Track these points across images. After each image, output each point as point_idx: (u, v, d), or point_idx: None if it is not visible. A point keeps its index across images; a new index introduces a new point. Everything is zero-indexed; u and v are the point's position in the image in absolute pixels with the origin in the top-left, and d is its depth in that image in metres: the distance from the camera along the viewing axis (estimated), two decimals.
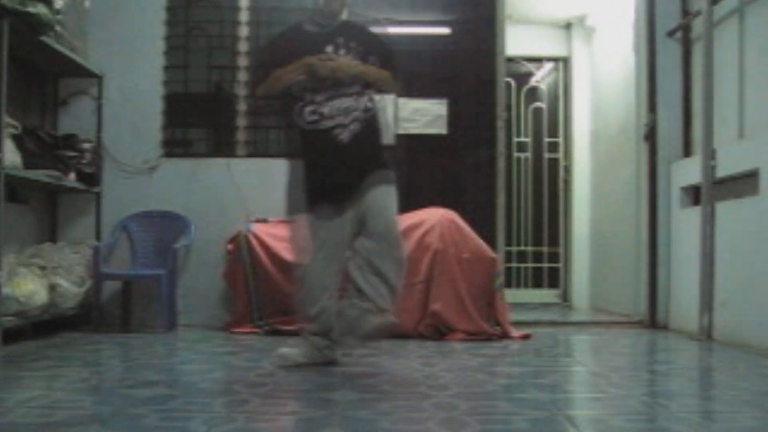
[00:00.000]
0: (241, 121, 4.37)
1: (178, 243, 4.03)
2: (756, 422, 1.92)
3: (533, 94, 6.03)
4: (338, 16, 2.85)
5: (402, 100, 4.67)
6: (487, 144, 4.41)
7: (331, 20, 2.81)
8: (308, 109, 2.73)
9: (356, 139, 2.72)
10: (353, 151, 2.72)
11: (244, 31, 4.37)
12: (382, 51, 2.84)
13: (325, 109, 2.72)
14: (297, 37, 2.82)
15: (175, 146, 4.34)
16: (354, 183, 2.73)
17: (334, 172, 2.74)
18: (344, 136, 2.71)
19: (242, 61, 4.36)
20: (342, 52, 2.74)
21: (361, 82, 2.76)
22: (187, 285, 4.17)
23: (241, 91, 4.37)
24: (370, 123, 2.80)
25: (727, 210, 3.59)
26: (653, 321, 4.22)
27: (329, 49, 2.73)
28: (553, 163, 5.97)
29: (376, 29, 2.94)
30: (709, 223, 3.67)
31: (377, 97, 2.90)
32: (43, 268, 3.57)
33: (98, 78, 4.20)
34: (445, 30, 4.51)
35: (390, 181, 2.79)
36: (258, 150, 4.35)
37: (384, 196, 2.73)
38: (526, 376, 2.64)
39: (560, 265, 5.96)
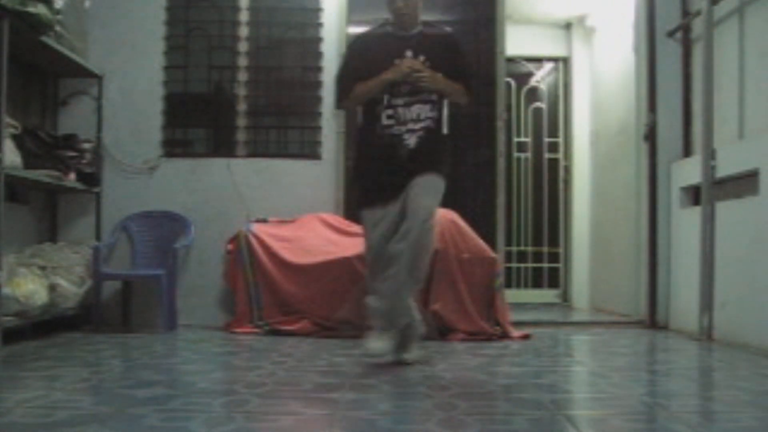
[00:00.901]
0: (241, 121, 4.37)
1: (178, 243, 4.03)
2: (756, 422, 1.92)
3: (533, 94, 6.03)
4: (416, 22, 2.92)
5: None
6: (487, 144, 4.41)
7: (410, 26, 2.90)
8: (387, 112, 2.85)
9: (420, 145, 2.83)
10: (415, 156, 2.82)
11: (244, 31, 4.37)
12: (457, 63, 2.92)
13: (401, 114, 2.83)
14: (379, 41, 2.92)
15: (175, 146, 4.35)
16: (404, 183, 2.80)
17: (392, 174, 2.83)
18: (411, 141, 2.83)
19: (242, 61, 4.36)
20: (421, 58, 2.83)
21: (439, 93, 2.87)
22: (187, 285, 4.17)
23: (241, 91, 4.37)
24: (437, 131, 2.91)
25: (727, 210, 3.59)
26: (653, 321, 4.22)
27: (408, 54, 2.83)
28: (553, 163, 5.97)
29: (453, 37, 3.00)
30: (709, 223, 3.67)
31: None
32: (43, 268, 3.57)
33: (98, 78, 4.20)
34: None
35: (434, 186, 2.83)
36: (258, 150, 4.35)
37: (420, 198, 2.77)
38: (526, 376, 2.64)
39: (560, 265, 5.96)
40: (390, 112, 2.85)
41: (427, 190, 2.80)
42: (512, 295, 4.72)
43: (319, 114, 4.34)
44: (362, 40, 3.03)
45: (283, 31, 4.39)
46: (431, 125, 2.87)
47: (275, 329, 3.77)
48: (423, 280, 2.93)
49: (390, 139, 2.85)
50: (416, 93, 2.84)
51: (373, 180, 2.92)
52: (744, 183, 3.47)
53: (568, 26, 5.86)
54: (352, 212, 4.28)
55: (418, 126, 2.84)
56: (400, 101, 2.84)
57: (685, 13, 4.21)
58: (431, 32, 2.96)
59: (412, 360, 2.85)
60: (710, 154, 3.70)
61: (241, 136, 4.36)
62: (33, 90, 4.04)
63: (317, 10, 4.37)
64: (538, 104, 6.02)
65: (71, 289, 3.65)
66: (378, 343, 2.78)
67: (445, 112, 3.01)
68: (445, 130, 3.00)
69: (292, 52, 4.39)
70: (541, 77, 6.04)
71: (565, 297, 5.89)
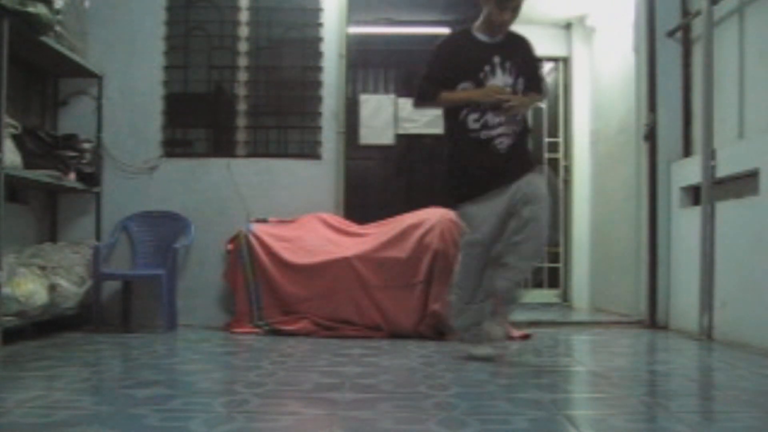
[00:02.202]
0: (241, 121, 4.37)
1: (178, 243, 4.03)
2: (756, 422, 1.92)
3: None
4: (506, 29, 2.98)
5: (402, 100, 4.68)
6: None
7: (495, 35, 2.97)
8: (472, 116, 2.91)
9: (511, 149, 2.93)
10: (507, 159, 2.91)
11: (244, 31, 4.37)
12: (535, 74, 3.06)
13: (489, 120, 2.90)
14: (468, 46, 2.97)
15: (175, 146, 4.35)
16: (504, 181, 2.87)
17: (491, 173, 2.90)
18: (503, 146, 2.92)
19: (242, 61, 4.36)
20: (499, 69, 2.94)
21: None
22: (187, 285, 4.17)
23: (241, 91, 4.37)
24: (523, 134, 3.03)
25: (727, 210, 3.59)
26: (653, 321, 4.22)
27: (497, 60, 2.94)
28: (553, 163, 5.97)
29: (528, 42, 3.11)
30: (709, 223, 3.67)
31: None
32: (43, 268, 3.57)
33: (98, 78, 4.20)
34: (445, 30, 4.51)
35: (540, 179, 2.92)
36: (258, 150, 4.35)
37: (536, 183, 2.86)
38: (526, 376, 2.64)
39: (560, 265, 5.96)
40: (475, 116, 2.92)
41: (536, 181, 2.87)
42: None
43: (319, 114, 4.34)
44: (450, 44, 3.04)
45: (283, 31, 4.39)
46: (518, 129, 2.97)
47: (275, 329, 3.77)
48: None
49: (480, 143, 2.92)
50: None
51: (472, 177, 2.95)
52: (744, 183, 3.46)
53: (568, 26, 5.86)
54: (352, 212, 4.29)
55: (508, 130, 2.92)
56: (487, 106, 2.91)
57: (685, 13, 4.21)
58: (511, 38, 3.04)
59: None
60: (710, 154, 3.70)
61: (241, 136, 4.36)
62: (33, 90, 4.04)
63: (317, 10, 4.37)
64: (537, 104, 6.01)
65: (71, 289, 3.65)
66: (486, 349, 2.93)
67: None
68: (528, 130, 3.14)
69: (292, 52, 4.39)
70: None
71: (565, 297, 5.89)
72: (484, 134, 2.92)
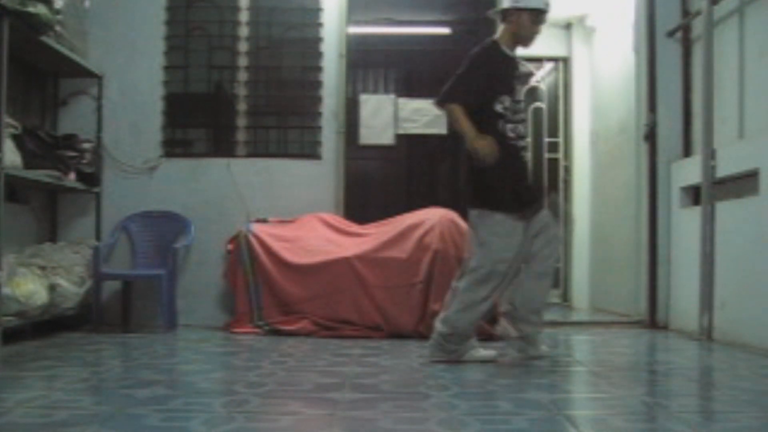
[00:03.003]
0: (241, 121, 4.37)
1: (178, 243, 4.03)
2: (756, 422, 1.92)
3: (533, 94, 6.02)
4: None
5: (402, 100, 4.68)
6: None
7: (526, 45, 3.05)
8: (509, 125, 2.96)
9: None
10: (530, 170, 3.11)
11: (244, 31, 4.37)
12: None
13: (521, 130, 3.00)
14: (499, 59, 3.00)
15: (175, 146, 4.35)
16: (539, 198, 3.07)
17: (529, 188, 3.03)
18: (527, 156, 3.08)
19: (242, 61, 4.36)
20: (518, 82, 3.07)
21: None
22: (187, 285, 4.17)
23: (241, 91, 4.37)
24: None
25: (727, 210, 3.59)
26: (653, 321, 4.22)
27: (518, 73, 3.07)
28: (553, 163, 5.96)
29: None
30: (709, 223, 3.67)
31: None
32: (43, 268, 3.57)
33: (98, 78, 4.20)
34: (445, 30, 4.51)
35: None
36: (258, 150, 4.35)
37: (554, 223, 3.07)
38: (526, 376, 2.64)
39: (560, 265, 5.95)
40: (511, 126, 2.96)
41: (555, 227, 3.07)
42: None
43: (319, 114, 4.34)
44: (487, 56, 3.00)
45: (283, 31, 4.39)
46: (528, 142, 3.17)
47: (275, 329, 3.77)
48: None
49: (518, 150, 2.99)
50: (521, 111, 3.03)
51: (518, 188, 2.94)
52: (744, 183, 3.46)
53: (568, 26, 5.85)
54: (352, 212, 4.28)
55: (526, 142, 3.07)
56: (520, 117, 3.00)
57: (685, 13, 4.21)
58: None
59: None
60: (710, 154, 3.70)
61: (241, 136, 4.36)
62: (33, 90, 4.04)
63: (317, 10, 4.37)
64: (538, 104, 6.01)
65: (71, 289, 3.65)
66: (488, 351, 3.05)
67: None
68: None
69: (292, 52, 4.40)
70: (541, 77, 6.03)
71: (565, 297, 5.88)
72: (521, 143, 3.01)
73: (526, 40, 3.02)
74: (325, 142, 4.33)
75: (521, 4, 2.93)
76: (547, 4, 2.96)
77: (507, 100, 2.94)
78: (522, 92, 3.09)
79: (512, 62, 3.05)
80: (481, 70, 2.94)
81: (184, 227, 4.14)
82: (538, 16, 2.94)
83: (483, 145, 2.84)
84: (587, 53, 5.65)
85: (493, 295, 2.95)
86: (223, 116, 4.40)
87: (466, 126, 2.88)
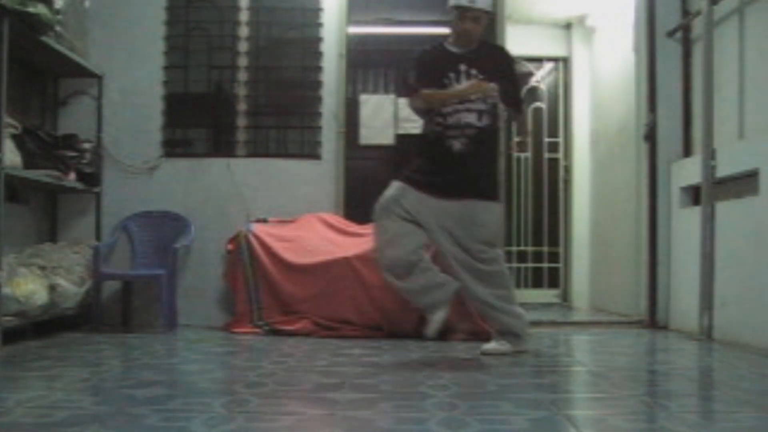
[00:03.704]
0: (241, 121, 4.37)
1: (178, 243, 4.03)
2: (756, 422, 1.92)
3: (533, 94, 6.02)
4: (474, 41, 3.15)
5: (402, 100, 4.66)
6: None
7: (467, 44, 3.14)
8: (437, 118, 3.09)
9: (467, 151, 3.05)
10: (464, 161, 3.05)
11: (244, 31, 4.37)
12: (511, 88, 3.15)
13: (448, 121, 3.06)
14: (437, 56, 3.17)
15: (175, 146, 4.35)
16: (455, 186, 3.05)
17: (444, 173, 3.07)
18: (457, 147, 3.05)
19: (242, 61, 4.36)
20: (464, 77, 3.09)
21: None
22: (187, 285, 4.17)
23: (241, 91, 4.37)
24: (485, 140, 3.11)
25: (727, 210, 3.59)
26: (653, 321, 4.22)
27: (462, 67, 3.10)
28: (553, 163, 5.97)
29: (506, 54, 3.30)
30: (709, 223, 3.67)
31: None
32: (43, 268, 3.57)
33: (98, 78, 4.20)
34: (445, 30, 4.50)
35: (495, 215, 3.15)
36: (258, 150, 4.35)
37: (483, 226, 3.07)
38: (526, 376, 2.64)
39: (560, 265, 5.96)
40: (439, 119, 3.08)
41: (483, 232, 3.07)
42: None
43: (319, 114, 4.34)
44: (424, 54, 3.23)
45: (283, 31, 4.39)
46: (475, 132, 3.06)
47: (275, 329, 3.77)
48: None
49: (438, 142, 3.09)
50: (462, 103, 3.06)
51: (426, 171, 3.09)
52: (744, 183, 3.46)
53: (568, 26, 5.86)
54: (352, 212, 4.28)
55: (462, 133, 3.05)
56: (449, 109, 3.07)
57: (685, 13, 4.21)
58: (485, 49, 3.22)
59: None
60: (710, 154, 3.70)
61: (241, 136, 4.36)
62: (33, 90, 4.04)
63: (317, 10, 4.37)
64: (538, 104, 6.01)
65: (71, 289, 3.65)
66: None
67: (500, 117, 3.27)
68: (494, 136, 3.22)
69: (292, 52, 4.39)
70: (541, 77, 6.03)
71: (565, 297, 5.88)
72: (447, 133, 3.10)
73: (459, 37, 3.14)
74: (325, 142, 4.33)
75: (450, 3, 3.12)
76: (471, 0, 3.05)
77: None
78: (467, 82, 3.09)
79: (450, 57, 3.14)
80: (414, 66, 3.16)
81: (184, 227, 4.14)
82: (462, 12, 3.08)
83: (466, 89, 3.04)
84: (587, 53, 5.66)
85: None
86: (223, 116, 4.40)
87: (440, 95, 3.06)
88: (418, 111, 3.25)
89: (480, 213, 3.06)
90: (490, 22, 4.41)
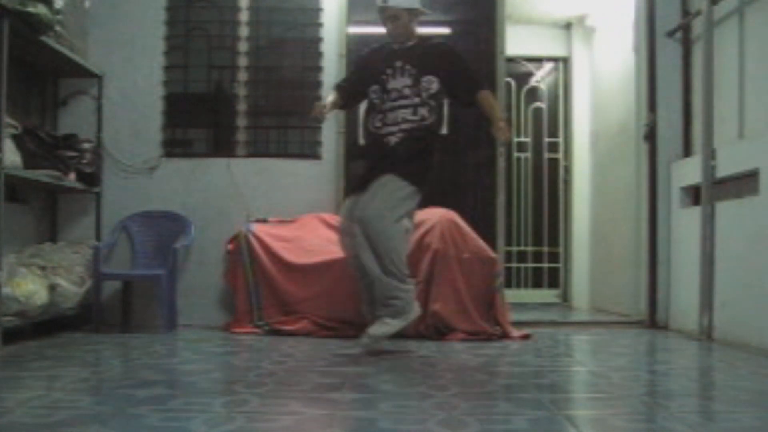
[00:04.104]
0: (241, 121, 4.37)
1: (178, 243, 4.03)
2: (756, 422, 1.92)
3: (533, 94, 6.03)
4: (408, 38, 3.30)
5: None
6: (487, 144, 4.41)
7: (403, 41, 3.29)
8: (378, 116, 3.25)
9: (400, 145, 3.17)
10: (396, 152, 3.17)
11: (244, 31, 4.37)
12: (457, 67, 3.25)
13: (388, 118, 3.22)
14: (378, 53, 3.37)
15: (175, 146, 4.34)
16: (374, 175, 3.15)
17: (367, 169, 3.25)
18: (392, 141, 3.19)
19: (242, 61, 4.36)
20: (398, 72, 3.24)
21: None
22: (187, 285, 4.17)
23: (241, 91, 4.37)
24: (419, 135, 3.20)
25: (727, 210, 3.59)
26: (653, 321, 4.22)
27: (398, 64, 3.24)
28: (553, 163, 5.97)
29: (446, 45, 3.38)
30: (709, 223, 3.67)
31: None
32: (43, 268, 3.57)
33: (98, 78, 4.20)
34: (445, 30, 4.51)
35: (393, 183, 3.10)
36: (258, 150, 4.35)
37: (377, 189, 3.09)
38: (526, 376, 2.64)
39: (560, 265, 5.96)
40: (380, 116, 3.25)
41: (377, 191, 3.09)
42: (512, 295, 4.72)
43: None
44: (368, 52, 3.46)
45: (283, 31, 4.39)
46: (410, 127, 3.19)
47: (275, 329, 3.77)
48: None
49: (377, 138, 3.25)
50: (400, 98, 3.21)
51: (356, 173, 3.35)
52: (744, 183, 3.47)
53: (568, 26, 5.86)
54: None
55: (399, 128, 3.19)
56: (385, 106, 3.24)
57: (685, 13, 4.21)
58: (423, 44, 3.32)
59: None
60: (710, 154, 3.70)
61: (241, 136, 4.36)
62: (33, 90, 4.04)
63: (317, 10, 4.37)
64: (538, 104, 6.02)
65: (71, 289, 3.65)
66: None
67: (442, 112, 3.43)
68: (429, 132, 3.26)
69: (292, 52, 4.39)
70: (541, 77, 6.04)
71: (565, 297, 5.89)
72: (382, 130, 3.26)
73: (388, 35, 3.31)
74: (325, 142, 4.33)
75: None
76: (384, 1, 3.21)
77: (377, 89, 3.26)
78: (402, 78, 3.21)
79: (389, 54, 3.29)
80: (355, 64, 3.43)
81: (184, 227, 4.14)
82: (379, 13, 3.28)
83: (316, 107, 3.25)
84: (587, 53, 5.66)
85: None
86: (223, 116, 4.40)
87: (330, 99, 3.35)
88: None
89: (378, 182, 3.10)
90: (492, 23, 4.46)
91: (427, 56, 3.25)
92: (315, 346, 3.36)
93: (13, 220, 3.65)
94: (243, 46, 4.37)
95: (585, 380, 2.69)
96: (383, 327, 3.09)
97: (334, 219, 4.18)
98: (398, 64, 3.24)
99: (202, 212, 4.22)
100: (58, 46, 3.62)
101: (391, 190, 3.07)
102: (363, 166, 3.34)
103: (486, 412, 1.99)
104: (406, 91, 3.20)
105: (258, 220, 4.12)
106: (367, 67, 3.35)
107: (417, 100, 3.19)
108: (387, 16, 3.24)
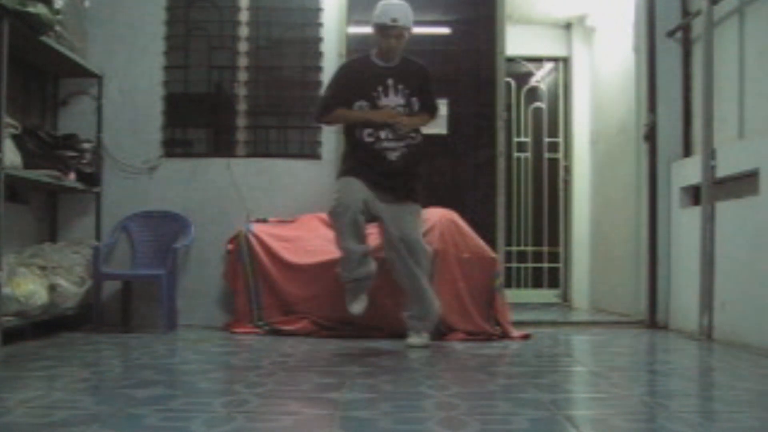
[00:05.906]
0: (241, 121, 4.37)
1: (178, 243, 4.03)
2: (756, 422, 1.92)
3: (533, 94, 6.03)
4: (396, 57, 3.37)
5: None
6: (487, 144, 4.41)
7: (392, 59, 3.36)
8: (367, 131, 3.30)
9: (403, 161, 3.33)
10: (398, 167, 3.32)
11: (244, 31, 4.37)
12: (428, 92, 3.41)
13: (381, 136, 3.29)
14: (365, 69, 3.38)
15: (175, 146, 4.34)
16: (390, 185, 3.31)
17: (380, 175, 3.31)
18: (392, 156, 3.31)
19: (242, 61, 4.36)
20: (392, 91, 3.33)
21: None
22: (187, 285, 4.17)
23: (242, 91, 4.37)
24: (416, 151, 3.38)
25: (727, 210, 3.59)
26: (653, 321, 4.22)
27: (390, 82, 3.32)
28: (553, 163, 5.97)
29: (426, 70, 3.49)
30: (709, 223, 3.67)
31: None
32: (43, 268, 3.56)
33: (98, 78, 4.20)
34: (445, 30, 4.51)
35: (418, 211, 3.43)
36: (258, 150, 4.35)
37: (409, 215, 3.35)
38: (526, 376, 2.64)
39: (560, 265, 5.96)
40: (369, 130, 3.30)
41: (410, 218, 3.33)
42: (512, 294, 4.71)
43: None
44: (350, 67, 3.48)
45: (283, 31, 4.39)
46: (409, 143, 3.33)
47: (275, 329, 3.77)
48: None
49: (373, 152, 3.30)
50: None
51: (360, 164, 3.32)
52: (744, 183, 3.47)
53: (568, 26, 5.86)
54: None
55: (399, 144, 3.31)
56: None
57: (685, 13, 4.21)
58: (409, 64, 3.42)
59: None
60: (710, 154, 3.70)
61: (241, 136, 4.36)
62: (33, 90, 4.04)
63: (317, 10, 4.37)
64: (538, 104, 6.02)
65: (71, 289, 3.65)
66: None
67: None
68: (420, 149, 3.44)
69: (292, 52, 4.39)
70: (541, 77, 6.04)
71: (565, 297, 5.88)
72: (377, 146, 3.30)
73: (383, 52, 3.34)
74: (325, 142, 4.33)
75: (372, 20, 3.32)
76: (393, 20, 3.26)
77: (366, 106, 3.31)
78: (395, 96, 3.32)
79: (378, 71, 3.34)
80: (337, 81, 3.39)
81: (184, 227, 4.14)
82: (383, 30, 3.28)
83: (380, 115, 3.27)
84: (587, 53, 5.66)
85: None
86: (223, 116, 4.40)
87: (355, 114, 3.31)
88: (330, 124, 3.64)
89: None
90: (491, 23, 4.46)
91: (416, 78, 3.38)
92: (315, 346, 3.36)
93: (13, 220, 3.65)
94: (243, 46, 4.36)
95: (585, 380, 2.69)
96: (423, 339, 3.35)
97: None
98: (390, 82, 3.31)
99: (202, 212, 4.22)
100: (58, 46, 3.62)
101: (419, 219, 3.41)
102: (362, 172, 3.31)
103: (486, 412, 1.99)
104: (400, 110, 3.31)
105: (258, 220, 4.12)
106: (352, 82, 3.36)
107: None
108: (395, 34, 3.28)
